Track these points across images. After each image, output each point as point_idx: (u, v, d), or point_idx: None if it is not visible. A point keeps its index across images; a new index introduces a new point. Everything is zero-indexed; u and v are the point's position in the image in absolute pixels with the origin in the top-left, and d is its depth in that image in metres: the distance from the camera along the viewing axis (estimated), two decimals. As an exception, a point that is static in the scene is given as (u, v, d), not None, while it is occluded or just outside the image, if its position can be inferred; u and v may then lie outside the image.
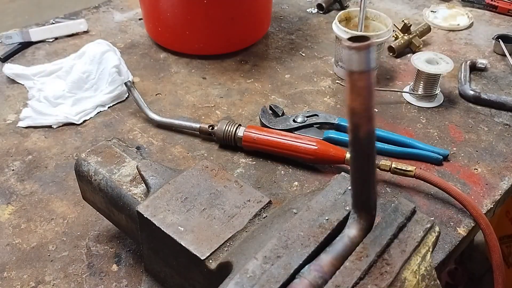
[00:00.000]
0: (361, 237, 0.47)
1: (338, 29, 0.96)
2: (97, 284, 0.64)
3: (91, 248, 0.69)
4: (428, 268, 0.48)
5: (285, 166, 0.81)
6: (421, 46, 1.09)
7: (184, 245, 0.51)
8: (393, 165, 0.75)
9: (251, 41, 1.11)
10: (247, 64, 1.06)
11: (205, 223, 0.53)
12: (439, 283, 0.49)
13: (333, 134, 0.85)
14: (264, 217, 0.55)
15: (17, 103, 0.94)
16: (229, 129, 0.83)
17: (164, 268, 0.59)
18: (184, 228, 0.53)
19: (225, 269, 0.49)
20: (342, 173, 0.54)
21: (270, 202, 0.56)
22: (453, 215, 0.73)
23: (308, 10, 1.25)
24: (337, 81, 0.99)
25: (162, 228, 0.53)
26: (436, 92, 0.94)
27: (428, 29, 1.12)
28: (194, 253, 0.51)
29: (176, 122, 0.88)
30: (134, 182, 0.61)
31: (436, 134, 0.88)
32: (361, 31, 0.97)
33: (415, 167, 0.75)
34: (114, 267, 0.66)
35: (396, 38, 1.09)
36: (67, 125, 0.89)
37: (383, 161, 0.76)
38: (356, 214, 0.48)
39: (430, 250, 0.49)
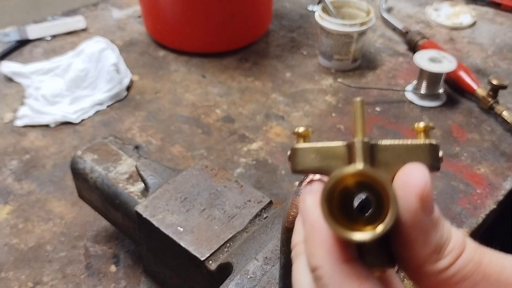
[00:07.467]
0: None
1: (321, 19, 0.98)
2: (95, 285, 0.63)
3: (89, 249, 0.68)
4: None
5: (286, 166, 0.80)
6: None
7: (183, 245, 0.51)
8: None
9: (252, 39, 1.10)
10: (247, 62, 1.05)
11: (205, 224, 0.53)
12: None
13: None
14: (265, 218, 0.54)
15: (14, 102, 0.93)
16: None
17: (164, 269, 0.58)
18: (184, 229, 0.52)
19: (225, 270, 0.49)
20: None
21: (270, 203, 0.55)
22: (455, 216, 0.72)
23: (309, 8, 1.24)
24: (338, 80, 0.98)
25: (161, 229, 0.52)
26: (439, 91, 0.93)
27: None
28: (194, 254, 0.50)
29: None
30: (130, 180, 0.60)
31: (439, 133, 0.87)
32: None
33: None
34: (113, 267, 0.66)
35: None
36: (65, 124, 0.88)
37: None
38: None
39: None
